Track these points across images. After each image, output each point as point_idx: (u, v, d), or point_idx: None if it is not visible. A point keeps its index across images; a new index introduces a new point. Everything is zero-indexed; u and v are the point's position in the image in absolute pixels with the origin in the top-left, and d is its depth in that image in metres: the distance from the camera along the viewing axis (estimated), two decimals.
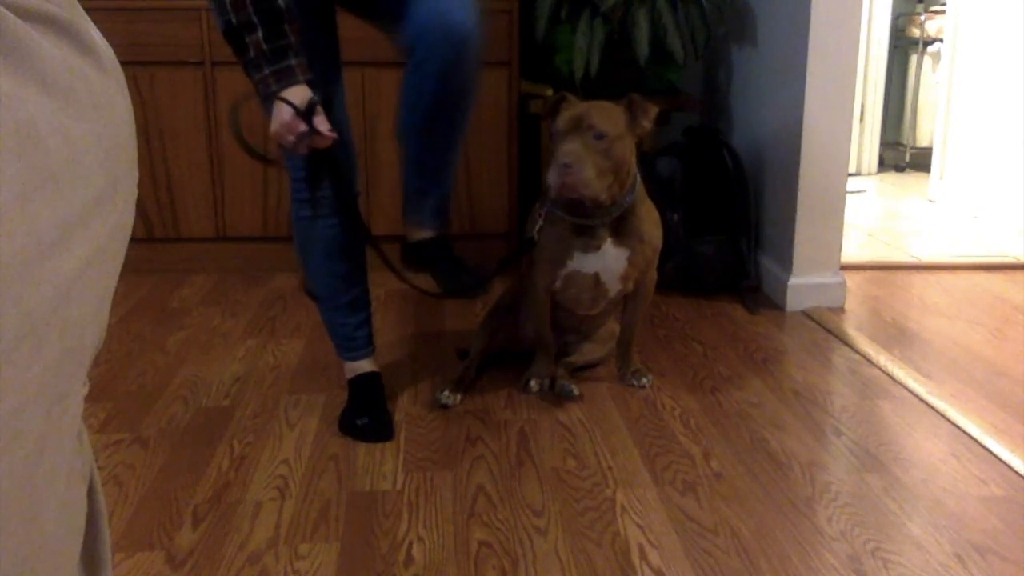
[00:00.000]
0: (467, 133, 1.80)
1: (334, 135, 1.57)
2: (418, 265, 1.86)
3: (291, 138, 1.56)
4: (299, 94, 1.52)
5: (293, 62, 1.52)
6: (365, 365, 1.95)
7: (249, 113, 1.67)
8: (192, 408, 1.99)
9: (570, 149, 1.79)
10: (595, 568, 1.41)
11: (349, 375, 1.96)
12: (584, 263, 1.96)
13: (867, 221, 3.82)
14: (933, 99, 4.66)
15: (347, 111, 1.83)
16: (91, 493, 0.52)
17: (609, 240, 1.93)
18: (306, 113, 1.52)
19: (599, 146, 1.81)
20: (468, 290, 1.80)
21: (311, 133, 1.54)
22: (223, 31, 1.51)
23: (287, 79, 1.51)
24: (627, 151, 1.88)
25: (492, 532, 1.51)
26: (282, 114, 1.52)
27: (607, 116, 1.83)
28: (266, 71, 1.51)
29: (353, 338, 1.92)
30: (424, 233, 1.85)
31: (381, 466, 1.74)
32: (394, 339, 2.38)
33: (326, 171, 1.69)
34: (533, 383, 2.05)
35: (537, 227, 1.93)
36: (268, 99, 1.53)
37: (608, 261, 1.95)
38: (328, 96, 1.63)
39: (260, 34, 1.48)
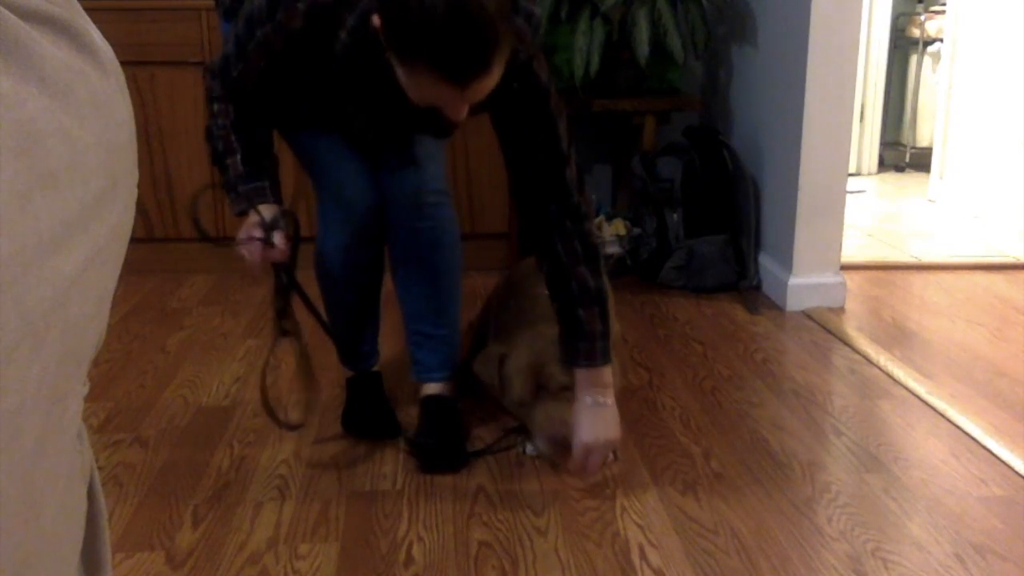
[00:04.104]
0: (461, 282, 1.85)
1: (286, 253, 1.64)
2: (426, 426, 1.80)
3: (247, 243, 1.63)
4: (267, 210, 1.64)
5: (266, 184, 1.66)
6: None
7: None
8: (192, 408, 1.99)
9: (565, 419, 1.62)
10: (595, 568, 1.41)
11: (349, 374, 1.95)
12: None
13: (867, 221, 3.82)
14: (933, 99, 4.66)
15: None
16: (91, 493, 0.52)
17: None
18: (268, 226, 1.62)
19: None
20: (441, 468, 1.73)
21: (266, 244, 1.62)
22: (210, 156, 1.69)
23: (258, 197, 1.65)
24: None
25: (492, 532, 1.51)
26: (248, 221, 1.64)
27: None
28: (240, 189, 1.65)
29: (361, 352, 1.92)
30: (430, 388, 1.85)
31: (381, 466, 1.73)
32: (393, 339, 2.38)
33: (281, 285, 1.72)
34: None
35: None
36: (240, 214, 1.66)
37: None
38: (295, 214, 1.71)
39: (239, 156, 1.65)
